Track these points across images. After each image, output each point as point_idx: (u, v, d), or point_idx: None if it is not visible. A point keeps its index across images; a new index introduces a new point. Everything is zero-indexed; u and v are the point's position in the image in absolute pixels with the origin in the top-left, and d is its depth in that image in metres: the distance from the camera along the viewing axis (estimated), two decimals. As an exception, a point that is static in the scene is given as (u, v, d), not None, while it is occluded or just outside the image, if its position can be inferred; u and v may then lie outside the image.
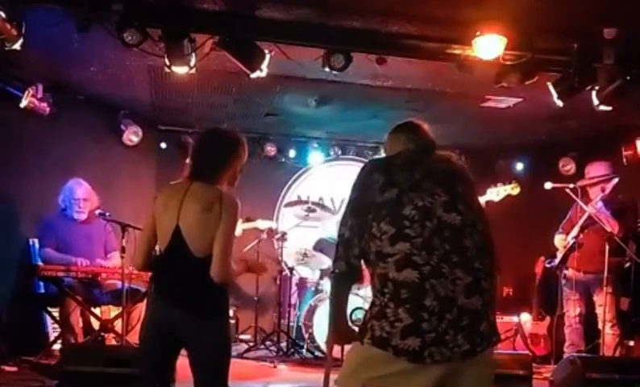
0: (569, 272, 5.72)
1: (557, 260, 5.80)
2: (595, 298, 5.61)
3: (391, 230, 2.15)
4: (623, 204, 5.54)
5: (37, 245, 5.55)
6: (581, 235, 5.55)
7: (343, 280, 2.29)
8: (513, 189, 4.82)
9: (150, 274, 3.01)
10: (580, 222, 5.55)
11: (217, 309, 2.85)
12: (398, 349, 2.04)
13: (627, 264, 5.72)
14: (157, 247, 2.92)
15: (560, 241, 5.82)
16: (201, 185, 2.86)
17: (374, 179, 2.27)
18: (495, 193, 4.81)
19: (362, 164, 2.42)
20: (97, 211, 5.44)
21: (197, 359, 2.81)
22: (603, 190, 5.48)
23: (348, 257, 2.25)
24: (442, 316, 2.06)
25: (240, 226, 5.86)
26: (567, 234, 5.77)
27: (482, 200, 4.77)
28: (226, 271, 2.78)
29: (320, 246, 7.14)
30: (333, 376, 2.38)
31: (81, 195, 5.52)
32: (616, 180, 5.40)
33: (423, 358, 2.04)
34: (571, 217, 5.85)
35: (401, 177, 2.26)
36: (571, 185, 5.59)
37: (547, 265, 6.04)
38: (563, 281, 5.84)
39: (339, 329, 2.33)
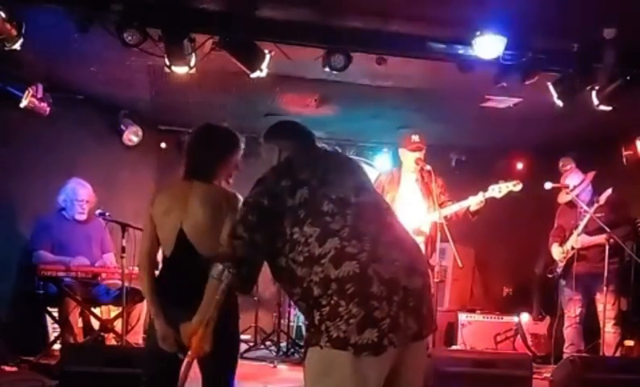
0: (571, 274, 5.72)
1: (559, 271, 5.81)
2: (597, 298, 5.62)
3: (316, 232, 2.10)
4: (613, 204, 5.53)
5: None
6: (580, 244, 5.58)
7: (235, 288, 2.29)
8: (514, 186, 4.79)
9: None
10: (580, 229, 5.55)
11: (226, 306, 2.81)
12: (358, 346, 1.97)
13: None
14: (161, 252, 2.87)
15: (559, 253, 5.79)
16: (202, 185, 2.84)
17: (282, 185, 2.21)
18: (497, 190, 4.77)
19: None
20: (98, 211, 5.43)
21: (206, 360, 2.78)
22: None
23: (249, 270, 2.21)
24: (391, 299, 2.01)
25: None
26: (561, 242, 5.78)
27: (484, 196, 4.77)
28: None
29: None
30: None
31: (84, 197, 5.51)
32: (609, 191, 5.41)
33: (384, 347, 1.99)
34: (562, 224, 5.87)
35: (305, 175, 2.23)
36: (571, 187, 5.59)
37: (549, 276, 6.02)
38: (563, 282, 5.84)
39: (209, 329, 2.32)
